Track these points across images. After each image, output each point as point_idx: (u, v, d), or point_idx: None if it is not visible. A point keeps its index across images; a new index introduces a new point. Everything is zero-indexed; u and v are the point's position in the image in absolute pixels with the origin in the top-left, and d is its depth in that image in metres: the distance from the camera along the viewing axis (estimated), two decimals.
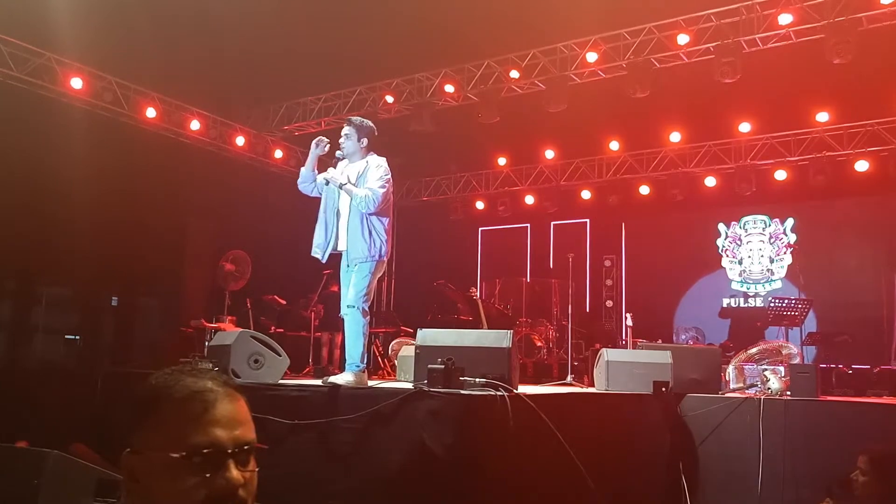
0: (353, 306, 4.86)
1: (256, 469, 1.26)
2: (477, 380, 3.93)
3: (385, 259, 4.95)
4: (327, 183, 5.03)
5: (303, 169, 5.19)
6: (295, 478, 3.68)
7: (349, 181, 4.94)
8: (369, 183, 4.85)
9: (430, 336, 4.47)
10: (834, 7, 7.78)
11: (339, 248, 5.00)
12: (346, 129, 5.04)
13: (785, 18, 8.08)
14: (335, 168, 5.10)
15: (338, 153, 5.06)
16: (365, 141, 5.02)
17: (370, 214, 4.81)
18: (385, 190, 4.84)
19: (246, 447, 1.25)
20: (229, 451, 1.21)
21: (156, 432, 1.22)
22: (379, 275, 5.02)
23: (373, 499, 3.77)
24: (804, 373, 5.47)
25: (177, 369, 1.31)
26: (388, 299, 13.82)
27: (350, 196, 4.88)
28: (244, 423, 1.28)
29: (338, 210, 5.01)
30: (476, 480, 3.61)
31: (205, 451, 1.19)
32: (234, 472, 1.20)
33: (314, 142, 5.06)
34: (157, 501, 1.20)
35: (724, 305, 12.18)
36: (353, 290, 4.86)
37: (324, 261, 5.09)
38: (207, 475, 1.18)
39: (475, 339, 4.36)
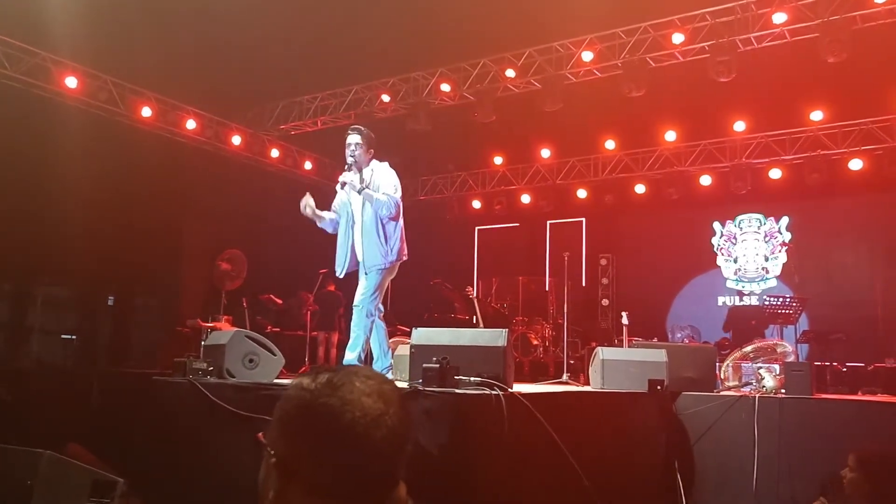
0: (359, 305, 4.90)
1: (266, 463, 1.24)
2: (472, 379, 3.93)
3: (398, 261, 5.00)
4: (343, 186, 5.06)
5: (319, 224, 5.25)
6: None
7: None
8: (383, 188, 4.94)
9: (425, 335, 4.46)
10: (828, 6, 7.80)
11: (360, 259, 5.10)
12: (356, 139, 5.06)
13: (779, 17, 8.11)
14: (349, 172, 5.08)
15: (349, 160, 5.07)
16: (372, 151, 5.13)
17: (391, 219, 4.90)
18: (399, 194, 4.98)
19: None
20: None
21: None
22: (391, 276, 5.07)
23: None
24: (799, 371, 5.47)
25: None
26: (384, 298, 13.82)
27: (370, 201, 4.94)
28: None
29: (355, 221, 5.06)
30: (471, 480, 3.61)
31: None
32: None
33: (305, 208, 5.10)
34: None
35: (720, 304, 12.21)
36: (361, 289, 4.91)
37: (341, 276, 5.14)
38: None
39: (470, 338, 4.35)
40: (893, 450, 3.71)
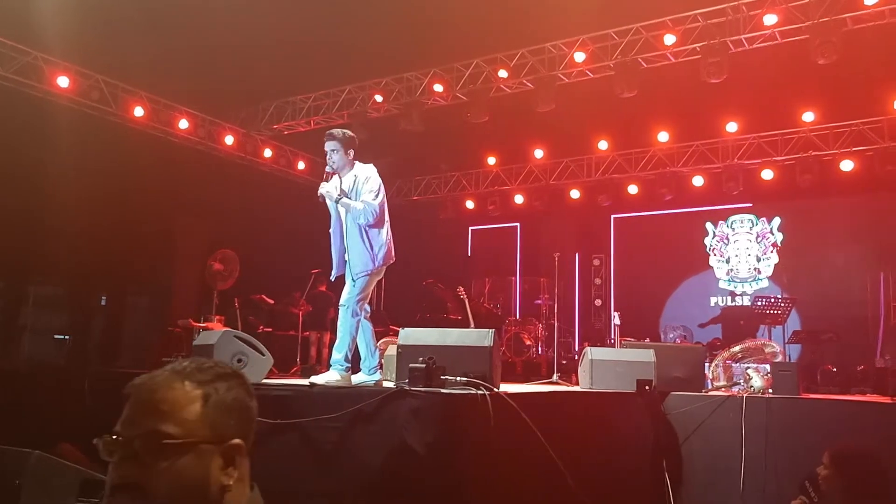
0: (345, 305, 4.89)
1: (171, 462, 1.23)
2: (458, 379, 3.95)
3: (384, 265, 4.97)
4: (323, 199, 5.03)
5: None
6: (276, 477, 3.70)
7: (344, 195, 4.95)
8: (364, 195, 4.86)
9: (413, 335, 4.49)
10: (819, 8, 7.84)
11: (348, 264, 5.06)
12: (331, 145, 4.97)
13: (770, 19, 8.14)
14: (328, 182, 5.01)
15: (328, 168, 5.02)
16: (352, 153, 5.01)
17: (371, 226, 4.84)
18: (380, 200, 4.87)
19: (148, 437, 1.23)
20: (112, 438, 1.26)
21: None
22: (377, 279, 5.06)
23: (354, 498, 3.79)
24: (786, 371, 5.52)
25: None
26: (377, 298, 13.83)
27: (347, 210, 4.88)
28: (156, 413, 1.26)
29: (341, 226, 5.02)
30: (457, 479, 3.63)
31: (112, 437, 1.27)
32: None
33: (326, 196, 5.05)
34: None
35: (713, 304, 12.25)
36: (347, 290, 4.91)
37: (332, 280, 5.12)
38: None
39: (457, 338, 4.38)
40: (866, 445, 3.75)
